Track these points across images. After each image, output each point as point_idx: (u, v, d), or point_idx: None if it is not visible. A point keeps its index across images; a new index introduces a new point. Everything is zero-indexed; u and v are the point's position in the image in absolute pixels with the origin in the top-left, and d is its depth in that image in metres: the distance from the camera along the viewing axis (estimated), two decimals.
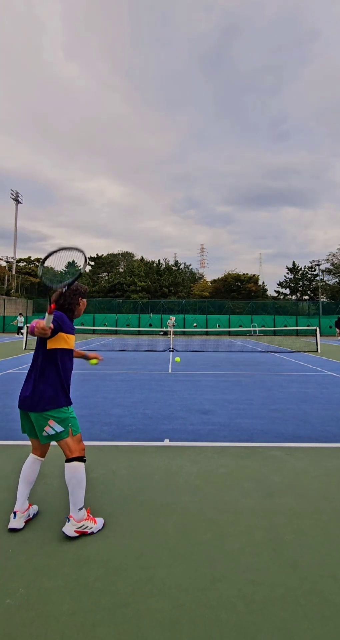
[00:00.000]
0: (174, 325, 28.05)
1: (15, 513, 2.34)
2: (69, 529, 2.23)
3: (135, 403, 5.91)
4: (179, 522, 2.42)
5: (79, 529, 2.24)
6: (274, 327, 33.22)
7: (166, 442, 4.04)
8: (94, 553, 2.09)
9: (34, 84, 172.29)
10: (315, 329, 16.80)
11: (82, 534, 2.24)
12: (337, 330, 27.03)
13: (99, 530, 2.31)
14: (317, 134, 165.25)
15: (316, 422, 4.87)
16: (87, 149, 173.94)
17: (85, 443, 3.90)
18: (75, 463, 2.30)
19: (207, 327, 33.05)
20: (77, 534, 2.23)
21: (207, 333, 31.84)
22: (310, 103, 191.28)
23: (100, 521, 2.36)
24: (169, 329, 26.54)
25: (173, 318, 28.82)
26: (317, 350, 15.64)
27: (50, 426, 2.27)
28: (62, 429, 2.30)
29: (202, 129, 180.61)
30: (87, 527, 2.27)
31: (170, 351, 15.52)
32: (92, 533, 2.27)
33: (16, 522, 2.31)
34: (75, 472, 2.28)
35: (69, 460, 2.31)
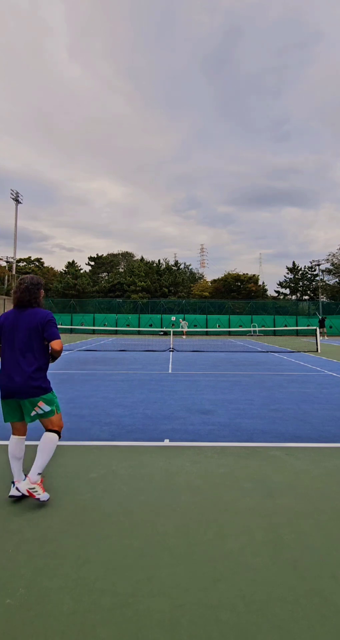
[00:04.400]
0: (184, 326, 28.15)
1: (13, 483, 2.69)
2: (23, 486, 2.55)
3: (135, 403, 5.91)
4: (179, 522, 2.42)
5: (30, 490, 2.54)
6: (274, 327, 33.21)
7: (166, 442, 4.04)
8: (94, 553, 2.09)
9: (36, 84, 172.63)
10: (315, 329, 16.80)
11: (30, 495, 2.54)
12: (320, 329, 27.28)
13: (45, 501, 2.58)
14: (319, 134, 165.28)
15: (316, 422, 4.87)
16: (89, 150, 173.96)
17: (85, 443, 3.92)
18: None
19: (207, 327, 33.05)
20: (27, 494, 2.54)
21: (207, 333, 31.83)
22: (312, 104, 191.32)
23: (47, 495, 2.63)
24: (183, 329, 26.65)
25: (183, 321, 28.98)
26: (317, 350, 15.63)
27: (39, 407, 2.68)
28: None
29: (204, 130, 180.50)
30: (37, 490, 2.56)
31: (170, 351, 15.52)
32: (38, 500, 2.56)
33: (15, 491, 2.63)
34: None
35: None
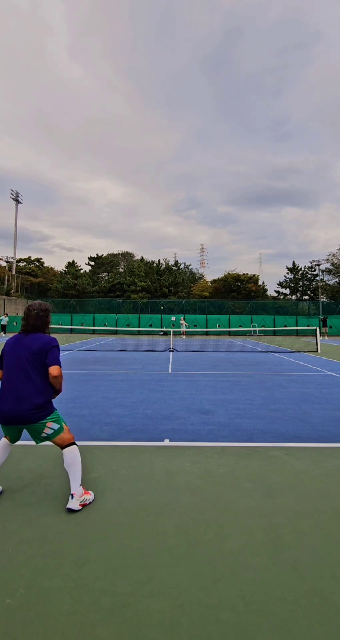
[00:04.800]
0: (186, 326, 28.13)
1: None
2: (75, 504, 2.56)
3: (135, 403, 5.91)
4: (179, 522, 2.42)
5: (82, 502, 2.60)
6: (274, 327, 33.20)
7: (166, 442, 4.04)
8: (94, 553, 2.09)
9: (36, 84, 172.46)
10: (315, 329, 16.80)
11: (84, 506, 2.60)
12: (321, 329, 27.30)
13: (92, 501, 2.68)
14: (319, 134, 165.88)
15: (316, 422, 4.87)
16: (89, 150, 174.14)
17: (85, 443, 3.92)
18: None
19: (207, 327, 33.04)
20: (80, 507, 2.57)
21: (207, 333, 31.83)
22: (312, 104, 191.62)
23: (92, 494, 2.75)
24: (182, 329, 26.64)
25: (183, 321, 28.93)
26: (317, 350, 15.63)
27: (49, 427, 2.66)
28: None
29: (205, 130, 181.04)
30: (86, 499, 2.65)
31: (170, 351, 15.52)
32: (90, 503, 2.66)
33: None
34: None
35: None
